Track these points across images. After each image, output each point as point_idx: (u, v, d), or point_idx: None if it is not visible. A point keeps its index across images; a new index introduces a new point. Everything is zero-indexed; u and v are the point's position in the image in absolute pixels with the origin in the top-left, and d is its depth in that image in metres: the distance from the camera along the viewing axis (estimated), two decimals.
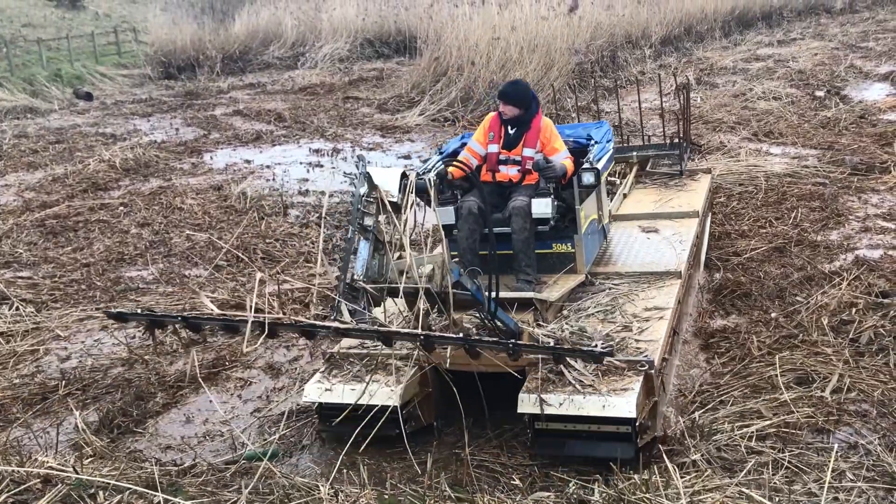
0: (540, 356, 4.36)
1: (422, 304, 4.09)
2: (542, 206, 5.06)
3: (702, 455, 4.18)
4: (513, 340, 4.11)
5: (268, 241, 8.35)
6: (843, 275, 6.29)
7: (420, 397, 4.68)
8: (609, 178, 7.03)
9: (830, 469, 3.86)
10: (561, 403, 4.20)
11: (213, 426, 5.07)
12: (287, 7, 26.67)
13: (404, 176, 4.15)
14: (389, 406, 4.35)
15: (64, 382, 5.58)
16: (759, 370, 5.04)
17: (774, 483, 3.84)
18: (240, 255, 7.96)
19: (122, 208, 9.89)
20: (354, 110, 16.34)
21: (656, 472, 4.02)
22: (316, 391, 4.62)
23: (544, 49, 14.58)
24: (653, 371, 4.34)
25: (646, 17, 20.52)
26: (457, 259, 5.03)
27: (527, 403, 4.25)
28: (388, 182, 4.14)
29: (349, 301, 3.98)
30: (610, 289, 5.45)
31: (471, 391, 4.47)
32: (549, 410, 4.20)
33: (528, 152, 5.26)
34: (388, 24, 24.95)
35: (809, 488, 3.80)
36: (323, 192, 10.19)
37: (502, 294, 4.63)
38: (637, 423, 4.18)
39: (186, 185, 10.86)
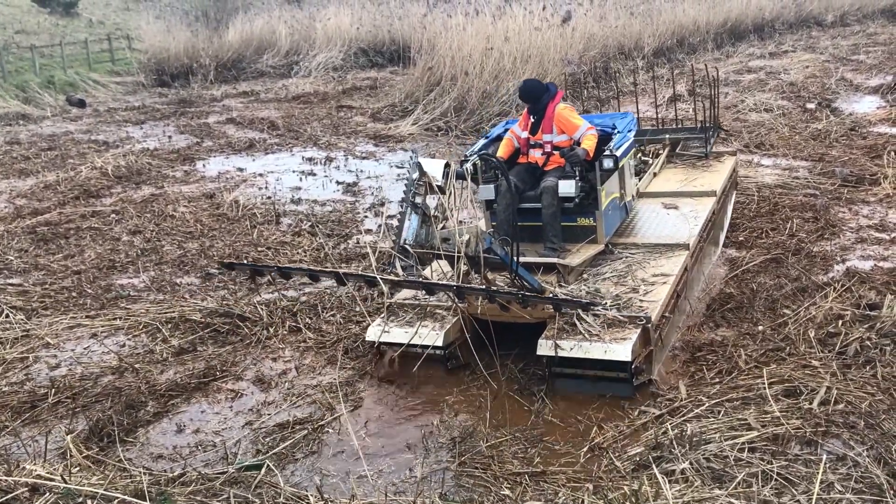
0: (557, 311, 5.25)
1: (461, 263, 5.21)
2: (567, 187, 6.00)
3: (691, 465, 4.19)
4: (522, 291, 5.22)
5: (259, 249, 8.35)
6: (833, 286, 6.32)
7: (460, 341, 5.55)
8: (642, 158, 8.06)
9: (819, 481, 3.87)
10: (571, 348, 5.09)
11: (205, 436, 5.05)
12: (281, 16, 26.70)
13: (447, 165, 5.36)
14: (435, 346, 5.36)
15: (53, 391, 5.55)
16: (748, 383, 5.06)
17: (764, 495, 3.85)
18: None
19: (113, 216, 9.87)
20: (348, 119, 16.36)
21: (646, 482, 4.03)
22: (376, 332, 5.59)
23: (537, 59, 14.65)
24: (650, 325, 5.16)
25: (638, 28, 20.61)
26: (494, 229, 6.08)
27: (544, 347, 5.15)
28: (434, 170, 5.36)
29: (402, 260, 5.10)
30: (626, 257, 6.28)
31: (501, 342, 5.47)
32: (561, 353, 5.09)
33: (546, 137, 6.23)
34: (382, 34, 25.00)
35: (798, 500, 3.81)
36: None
37: (531, 259, 5.81)
38: (633, 366, 5.02)
39: (179, 193, 10.85)
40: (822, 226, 7.98)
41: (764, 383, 4.95)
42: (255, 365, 5.93)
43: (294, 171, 12.00)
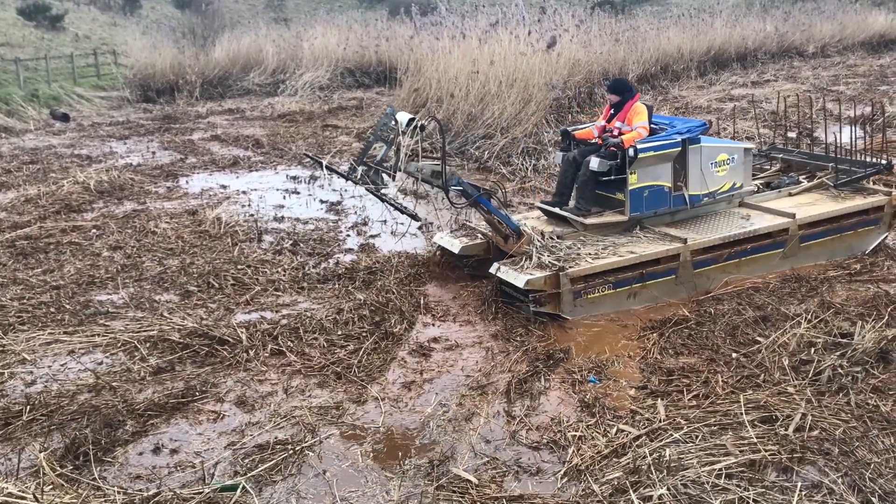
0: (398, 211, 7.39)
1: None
2: (595, 163, 7.32)
3: (668, 490, 4.21)
4: (410, 210, 7.44)
5: (239, 267, 8.32)
6: (805, 316, 6.38)
7: (481, 256, 7.70)
8: (800, 179, 8.87)
9: None
10: (502, 273, 6.86)
11: (185, 457, 4.99)
12: (268, 34, 26.76)
13: (412, 119, 6.88)
14: (452, 251, 7.79)
15: (28, 407, 5.48)
16: (725, 408, 5.09)
17: None
18: (210, 280, 7.93)
19: (94, 231, 9.81)
20: (333, 138, 16.39)
21: None
22: (438, 238, 8.06)
23: (522, 84, 14.74)
24: (561, 273, 6.63)
25: (623, 55, 20.83)
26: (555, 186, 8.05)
27: (493, 269, 7.02)
28: (403, 119, 6.90)
29: (364, 171, 7.02)
30: (643, 236, 7.37)
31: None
32: (499, 275, 6.91)
33: (618, 124, 7.60)
34: (368, 55, 25.13)
35: None
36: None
37: (553, 209, 7.71)
38: (531, 295, 6.63)
39: (161, 209, 10.81)
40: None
41: (741, 409, 4.99)
42: (238, 386, 5.87)
43: (278, 190, 11.99)
